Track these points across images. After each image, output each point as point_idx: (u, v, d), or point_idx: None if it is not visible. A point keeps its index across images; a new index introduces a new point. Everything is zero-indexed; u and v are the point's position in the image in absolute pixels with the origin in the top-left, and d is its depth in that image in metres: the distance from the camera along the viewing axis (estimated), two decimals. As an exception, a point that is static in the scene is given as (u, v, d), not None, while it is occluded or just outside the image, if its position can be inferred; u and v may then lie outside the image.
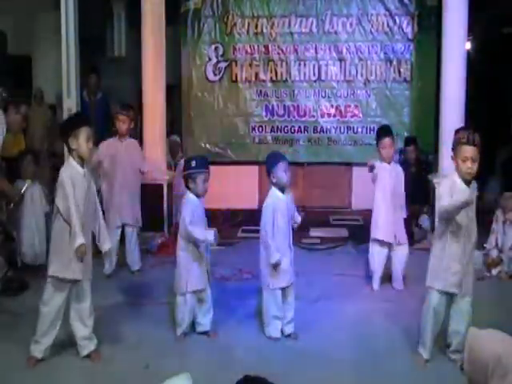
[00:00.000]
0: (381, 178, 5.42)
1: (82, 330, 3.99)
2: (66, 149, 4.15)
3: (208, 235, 4.19)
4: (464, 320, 3.92)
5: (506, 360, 2.07)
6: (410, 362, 4.00)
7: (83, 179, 3.94)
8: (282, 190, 4.32)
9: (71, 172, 3.90)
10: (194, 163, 4.34)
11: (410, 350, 4.12)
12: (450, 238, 3.89)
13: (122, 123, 5.80)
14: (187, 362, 3.98)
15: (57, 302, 3.89)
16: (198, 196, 4.33)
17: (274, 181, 4.31)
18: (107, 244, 4.09)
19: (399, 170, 5.57)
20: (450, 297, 3.96)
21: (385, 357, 4.08)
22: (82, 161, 3.98)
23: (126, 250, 5.90)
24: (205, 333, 4.41)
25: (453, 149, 3.94)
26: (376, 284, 5.46)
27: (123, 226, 5.79)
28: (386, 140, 5.43)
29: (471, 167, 3.81)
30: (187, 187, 4.36)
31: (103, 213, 4.32)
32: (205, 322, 4.41)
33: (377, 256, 5.46)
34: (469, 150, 3.80)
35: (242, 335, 4.43)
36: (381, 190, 5.43)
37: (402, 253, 5.42)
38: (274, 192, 4.32)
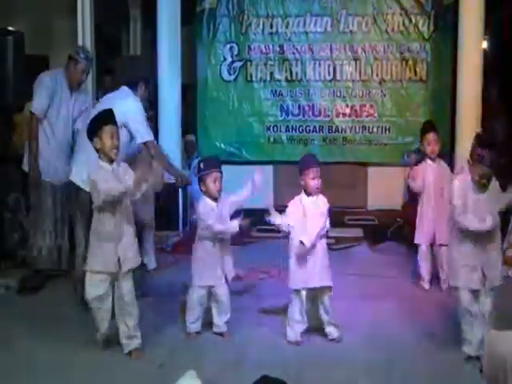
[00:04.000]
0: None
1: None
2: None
3: (230, 225, 4.20)
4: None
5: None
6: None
7: (112, 175, 3.99)
8: (310, 193, 4.29)
9: (99, 172, 3.98)
10: (202, 165, 4.37)
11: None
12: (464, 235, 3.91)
13: None
14: (198, 360, 3.95)
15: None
16: (211, 197, 4.33)
17: (302, 184, 4.30)
18: None
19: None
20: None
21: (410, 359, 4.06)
22: (109, 159, 4.03)
23: (143, 250, 5.94)
24: (220, 334, 4.41)
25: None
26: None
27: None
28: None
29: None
30: (201, 191, 4.38)
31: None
32: (220, 323, 4.41)
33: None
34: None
35: (255, 335, 4.40)
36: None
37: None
38: (301, 195, 4.31)
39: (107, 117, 4.10)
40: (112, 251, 3.98)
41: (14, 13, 8.15)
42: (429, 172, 5.51)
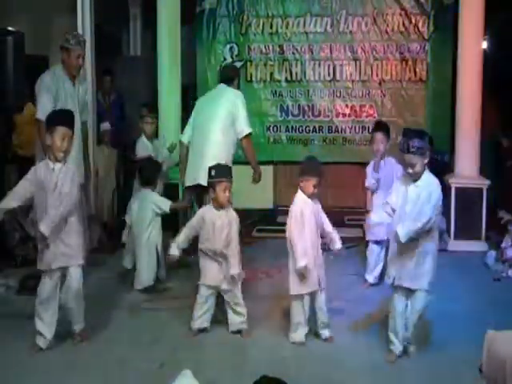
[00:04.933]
0: None
1: None
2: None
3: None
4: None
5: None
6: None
7: (52, 175, 4.06)
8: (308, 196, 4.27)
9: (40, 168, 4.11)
10: (213, 172, 4.34)
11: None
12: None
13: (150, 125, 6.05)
14: (199, 360, 3.95)
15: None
16: (220, 206, 4.33)
17: (302, 185, 4.26)
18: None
19: None
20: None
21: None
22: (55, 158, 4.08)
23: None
24: (238, 332, 4.41)
25: None
26: None
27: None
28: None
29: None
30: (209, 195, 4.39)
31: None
32: (235, 321, 4.41)
33: None
34: None
35: (256, 335, 4.40)
36: None
37: None
38: (300, 195, 4.26)
39: (65, 118, 4.18)
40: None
41: (13, 13, 8.15)
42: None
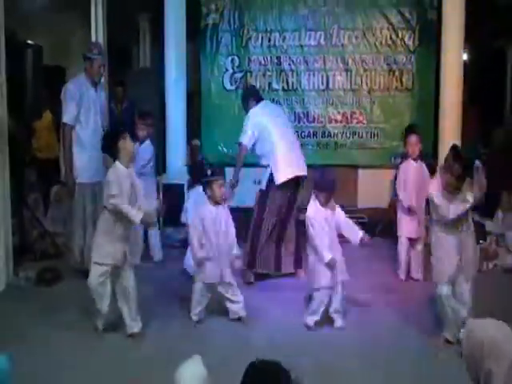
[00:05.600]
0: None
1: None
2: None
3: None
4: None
5: (499, 343, 2.07)
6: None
7: (128, 179, 4.09)
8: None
9: (117, 172, 4.06)
10: (210, 172, 4.43)
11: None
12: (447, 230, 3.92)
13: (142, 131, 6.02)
14: (202, 348, 3.94)
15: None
16: (215, 201, 4.37)
17: (315, 195, 4.35)
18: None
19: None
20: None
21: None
22: (128, 161, 4.14)
23: (150, 245, 5.98)
24: (239, 319, 4.44)
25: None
26: None
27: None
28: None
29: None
30: (206, 194, 4.41)
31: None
32: (233, 309, 4.44)
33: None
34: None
35: (261, 326, 4.41)
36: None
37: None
38: (314, 204, 4.35)
39: (122, 131, 4.26)
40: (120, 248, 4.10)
41: (33, 28, 8.17)
42: (410, 171, 5.52)
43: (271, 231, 5.42)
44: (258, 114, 5.51)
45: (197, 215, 4.45)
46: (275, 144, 5.39)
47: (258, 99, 5.70)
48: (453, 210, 3.85)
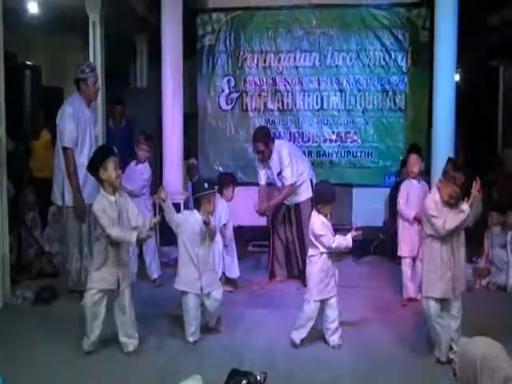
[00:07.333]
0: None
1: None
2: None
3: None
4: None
5: (493, 360, 2.08)
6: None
7: (114, 207, 4.02)
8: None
9: (103, 202, 4.00)
10: (198, 188, 4.45)
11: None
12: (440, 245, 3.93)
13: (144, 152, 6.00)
14: (199, 365, 3.95)
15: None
16: (210, 213, 4.38)
17: (320, 211, 4.34)
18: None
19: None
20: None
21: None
22: (113, 189, 4.05)
23: (147, 262, 5.97)
24: (214, 329, 4.49)
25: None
26: None
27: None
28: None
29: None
30: (196, 209, 4.42)
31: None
32: (212, 320, 4.49)
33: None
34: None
35: (252, 341, 4.40)
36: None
37: None
38: (319, 217, 4.33)
39: (111, 150, 4.18)
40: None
41: (32, 49, 8.23)
42: (412, 189, 5.51)
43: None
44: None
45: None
46: None
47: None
48: (449, 221, 3.84)
